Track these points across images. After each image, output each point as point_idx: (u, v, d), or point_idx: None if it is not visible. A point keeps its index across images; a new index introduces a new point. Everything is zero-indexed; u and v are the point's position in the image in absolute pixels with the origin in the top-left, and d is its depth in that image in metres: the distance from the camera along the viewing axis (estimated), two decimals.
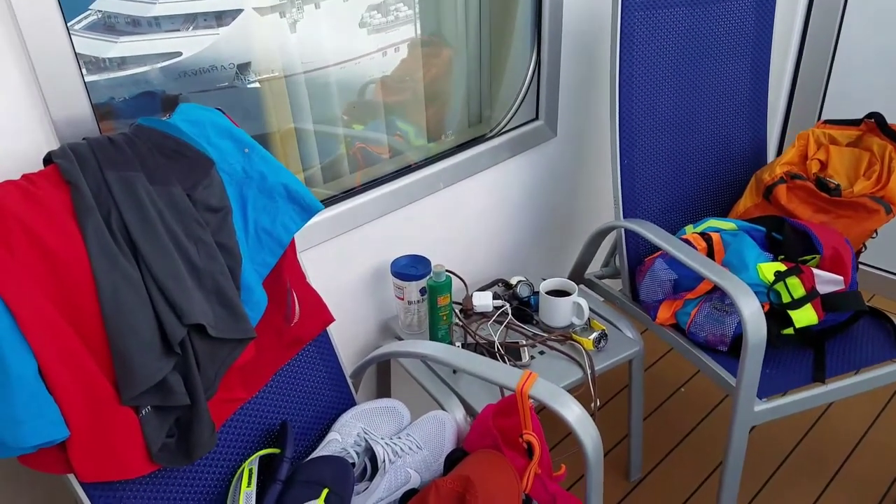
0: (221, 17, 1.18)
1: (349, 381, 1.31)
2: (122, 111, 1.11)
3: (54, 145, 1.01)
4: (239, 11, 1.20)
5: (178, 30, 1.14)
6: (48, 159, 0.94)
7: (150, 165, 0.98)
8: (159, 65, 1.14)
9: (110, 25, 1.08)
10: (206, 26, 1.17)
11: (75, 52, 1.00)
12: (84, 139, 0.97)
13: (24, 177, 0.91)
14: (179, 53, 1.16)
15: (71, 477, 0.91)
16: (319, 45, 1.33)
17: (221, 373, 0.99)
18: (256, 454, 1.09)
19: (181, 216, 0.98)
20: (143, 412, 0.91)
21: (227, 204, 1.03)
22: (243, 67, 1.24)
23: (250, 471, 1.04)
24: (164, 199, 0.97)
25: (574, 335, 1.51)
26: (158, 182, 0.98)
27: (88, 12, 1.05)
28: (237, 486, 1.04)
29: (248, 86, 1.25)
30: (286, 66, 1.30)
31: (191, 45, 1.16)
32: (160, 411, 0.93)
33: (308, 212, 1.12)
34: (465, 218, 1.73)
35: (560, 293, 1.55)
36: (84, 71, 1.03)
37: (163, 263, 0.93)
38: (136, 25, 1.10)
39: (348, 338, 1.58)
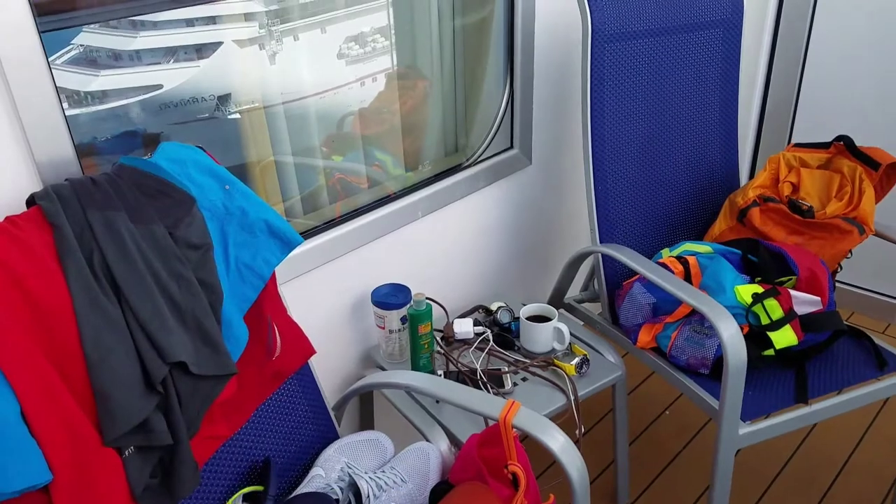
0: (201, 50, 1.20)
1: (332, 413, 1.31)
2: (105, 150, 1.12)
3: (37, 186, 1.02)
4: (219, 44, 1.21)
5: (159, 62, 1.16)
6: (31, 201, 0.95)
7: (133, 204, 0.99)
8: (140, 97, 1.15)
9: (92, 59, 1.09)
10: (186, 59, 1.18)
11: (57, 93, 1.01)
12: (67, 180, 0.97)
13: (8, 219, 0.91)
14: (160, 86, 1.17)
15: None
16: (298, 76, 1.35)
17: (203, 410, 0.99)
18: (240, 492, 1.08)
19: (163, 254, 0.98)
20: (127, 453, 0.91)
21: (209, 240, 1.04)
22: (223, 99, 1.25)
23: None
24: (145, 238, 0.97)
25: (556, 361, 1.51)
26: (140, 221, 0.98)
27: (70, 46, 1.06)
28: None
29: (229, 117, 1.27)
30: (266, 97, 1.31)
31: (171, 78, 1.17)
32: (143, 452, 0.92)
33: (289, 245, 1.13)
34: (445, 245, 1.75)
35: (540, 318, 1.56)
36: (65, 105, 1.04)
37: (144, 302, 0.93)
38: (117, 59, 1.11)
39: (330, 369, 1.58)
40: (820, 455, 1.94)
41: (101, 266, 0.92)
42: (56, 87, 1.00)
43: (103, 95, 1.10)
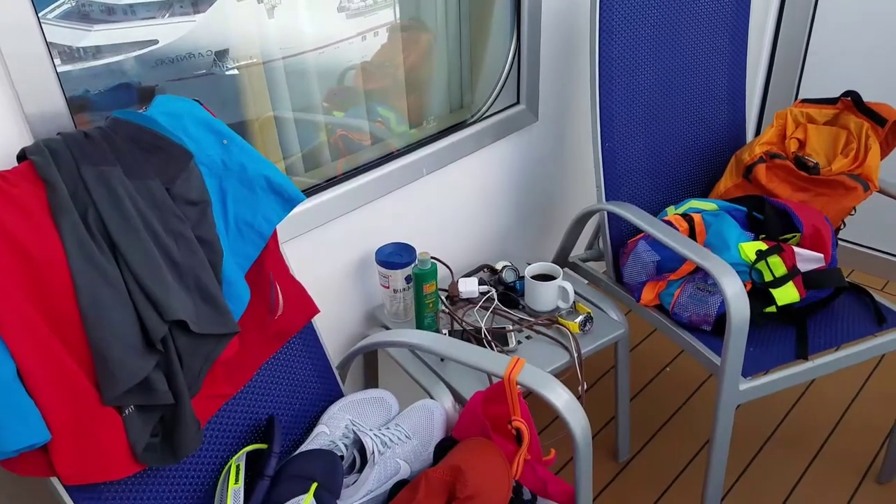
0: (198, 4, 1.16)
1: (336, 372, 1.30)
2: (98, 104, 1.09)
3: (28, 141, 0.99)
4: None
5: (154, 17, 1.12)
6: (22, 156, 0.92)
7: (127, 159, 0.96)
8: (135, 53, 1.11)
9: (85, 13, 1.05)
10: (182, 13, 1.14)
11: (47, 44, 0.97)
12: (59, 134, 0.94)
13: None
14: (156, 41, 1.13)
15: (54, 479, 0.89)
16: (298, 31, 1.31)
17: (205, 369, 0.98)
18: (243, 450, 1.08)
19: (160, 211, 0.96)
20: (127, 412, 0.90)
21: (207, 197, 1.01)
22: (221, 54, 1.22)
23: (237, 467, 1.03)
24: (142, 194, 0.95)
25: (560, 319, 1.51)
26: (136, 176, 0.95)
27: (62, 0, 1.02)
28: (224, 484, 1.03)
29: (227, 73, 1.23)
30: (265, 53, 1.27)
31: (167, 33, 1.14)
32: (144, 411, 0.91)
33: (290, 203, 1.10)
34: (449, 204, 1.72)
35: (545, 277, 1.55)
36: (58, 61, 1.01)
37: (142, 259, 0.91)
38: (110, 13, 1.08)
39: (334, 328, 1.57)
40: (816, 411, 1.95)
41: (97, 223, 0.90)
42: (45, 36, 0.96)
43: (97, 51, 1.07)
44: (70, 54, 1.03)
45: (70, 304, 0.86)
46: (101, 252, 0.89)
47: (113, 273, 0.89)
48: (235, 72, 1.24)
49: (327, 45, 1.37)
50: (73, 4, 1.03)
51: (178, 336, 0.94)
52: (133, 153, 0.97)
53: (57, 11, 1.01)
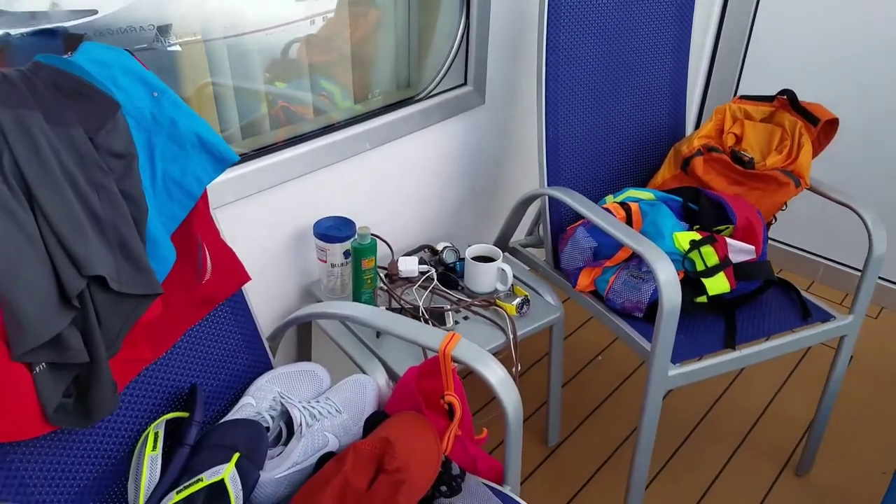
0: None
1: (266, 344, 1.27)
2: (20, 48, 1.02)
3: None
4: None
5: None
6: None
7: (49, 105, 0.90)
8: (72, 22, 1.05)
9: None
10: None
11: None
12: None
13: None
14: (95, 11, 1.08)
15: None
16: (242, 11, 1.27)
17: (125, 330, 0.93)
18: (163, 417, 1.03)
19: (82, 160, 0.90)
20: (38, 369, 0.84)
21: (133, 150, 0.96)
22: (163, 30, 1.17)
23: (156, 434, 0.99)
24: (62, 142, 0.89)
25: (498, 301, 1.51)
26: (57, 123, 0.90)
27: None
28: (141, 451, 0.98)
29: (168, 49, 1.18)
30: (207, 31, 1.23)
31: (108, 4, 1.08)
32: (56, 369, 0.86)
33: (223, 163, 1.06)
34: (392, 182, 1.70)
35: (485, 259, 1.55)
36: None
37: (60, 210, 0.86)
38: None
39: (267, 301, 1.53)
40: (742, 402, 2.02)
41: (12, 168, 0.84)
42: None
43: (31, 17, 1.01)
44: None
45: None
46: (17, 199, 0.84)
47: (28, 222, 0.84)
48: (178, 48, 1.20)
49: (274, 26, 1.33)
50: None
51: (96, 293, 0.89)
52: (56, 99, 0.91)
53: None
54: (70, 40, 1.07)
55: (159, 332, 1.05)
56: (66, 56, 0.96)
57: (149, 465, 0.95)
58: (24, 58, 1.01)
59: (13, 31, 1.01)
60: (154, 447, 0.96)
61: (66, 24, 1.05)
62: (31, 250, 0.83)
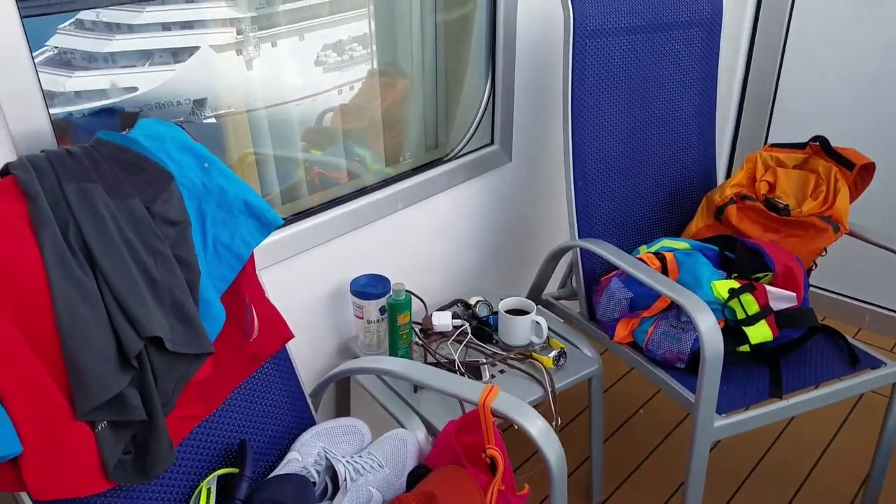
0: (178, 54, 1.20)
1: (309, 399, 1.30)
2: (81, 127, 1.11)
3: (12, 157, 1.00)
4: (196, 48, 1.21)
5: (135, 65, 1.15)
6: (5, 171, 0.93)
7: (109, 178, 0.97)
8: (115, 100, 1.14)
9: (66, 61, 1.08)
10: (162, 62, 1.18)
11: (36, 70, 0.99)
12: (42, 151, 0.96)
13: None
14: (135, 88, 1.17)
15: (24, 494, 0.87)
16: (276, 83, 1.35)
17: (179, 388, 0.97)
18: (214, 473, 1.06)
19: (140, 229, 0.97)
20: (99, 427, 0.89)
21: (186, 217, 1.03)
22: (199, 103, 1.25)
23: (209, 490, 1.02)
24: (122, 212, 0.96)
25: (534, 353, 1.52)
26: (117, 195, 0.97)
27: (45, 48, 1.05)
28: None
29: (204, 121, 1.26)
30: (243, 103, 1.31)
31: (147, 81, 1.17)
32: (117, 427, 0.90)
33: (268, 227, 1.12)
34: (424, 239, 1.75)
35: (519, 312, 1.56)
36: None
37: (120, 276, 0.92)
38: (91, 61, 1.11)
39: (307, 358, 1.57)
40: (793, 452, 1.96)
41: (77, 238, 0.91)
42: (32, 55, 0.98)
43: (77, 97, 1.10)
44: (52, 97, 1.06)
45: (47, 316, 0.86)
46: (80, 266, 0.90)
47: (91, 287, 0.89)
48: (213, 120, 1.28)
49: (304, 97, 1.41)
50: (56, 52, 1.06)
51: (153, 354, 0.94)
52: (115, 172, 0.99)
53: (40, 58, 1.04)
54: (126, 118, 1.15)
55: (210, 389, 1.09)
56: (124, 132, 1.04)
57: None
58: (86, 135, 1.09)
59: (75, 111, 1.10)
60: (207, 502, 0.99)
61: (107, 103, 1.13)
62: (94, 314, 0.88)
